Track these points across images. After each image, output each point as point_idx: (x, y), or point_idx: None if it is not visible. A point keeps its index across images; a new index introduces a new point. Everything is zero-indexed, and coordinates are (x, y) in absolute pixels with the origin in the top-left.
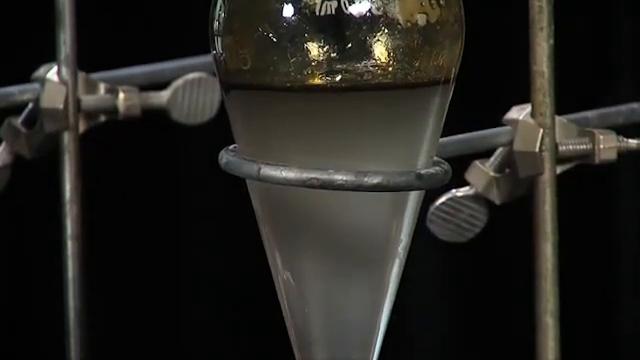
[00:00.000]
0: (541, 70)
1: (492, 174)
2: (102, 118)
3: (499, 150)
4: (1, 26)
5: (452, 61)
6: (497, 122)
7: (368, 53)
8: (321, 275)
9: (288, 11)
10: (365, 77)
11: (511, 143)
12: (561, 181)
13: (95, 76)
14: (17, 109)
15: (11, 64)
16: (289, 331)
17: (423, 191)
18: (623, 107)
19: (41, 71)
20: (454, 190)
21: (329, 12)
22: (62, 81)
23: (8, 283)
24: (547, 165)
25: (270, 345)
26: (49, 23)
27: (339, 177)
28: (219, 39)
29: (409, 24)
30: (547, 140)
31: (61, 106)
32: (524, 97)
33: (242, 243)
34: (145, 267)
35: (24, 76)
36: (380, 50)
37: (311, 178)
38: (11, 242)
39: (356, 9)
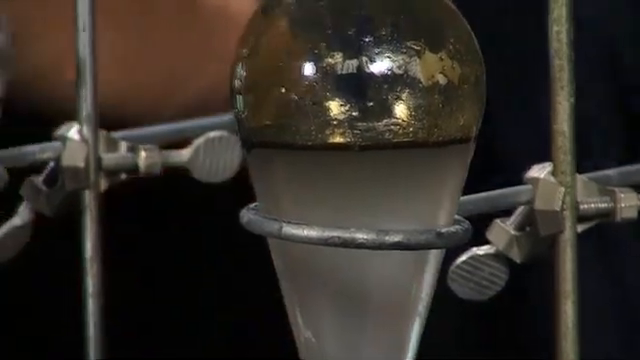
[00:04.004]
0: (562, 129)
1: (513, 232)
2: (123, 176)
3: (520, 209)
4: None
5: (473, 120)
6: (518, 181)
7: (389, 112)
8: (341, 333)
9: (309, 70)
10: (386, 136)
11: (532, 202)
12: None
13: (116, 134)
14: (38, 168)
15: (32, 123)
16: None
17: (444, 249)
18: None
19: (62, 129)
20: (475, 249)
21: (350, 70)
22: (83, 139)
23: (26, 339)
24: (568, 224)
25: None
26: None
27: (360, 236)
28: (240, 97)
29: (430, 83)
30: (568, 199)
31: (82, 164)
32: (544, 155)
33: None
34: (165, 322)
35: (45, 135)
36: (401, 109)
37: (333, 237)
38: (31, 300)
39: (377, 68)
